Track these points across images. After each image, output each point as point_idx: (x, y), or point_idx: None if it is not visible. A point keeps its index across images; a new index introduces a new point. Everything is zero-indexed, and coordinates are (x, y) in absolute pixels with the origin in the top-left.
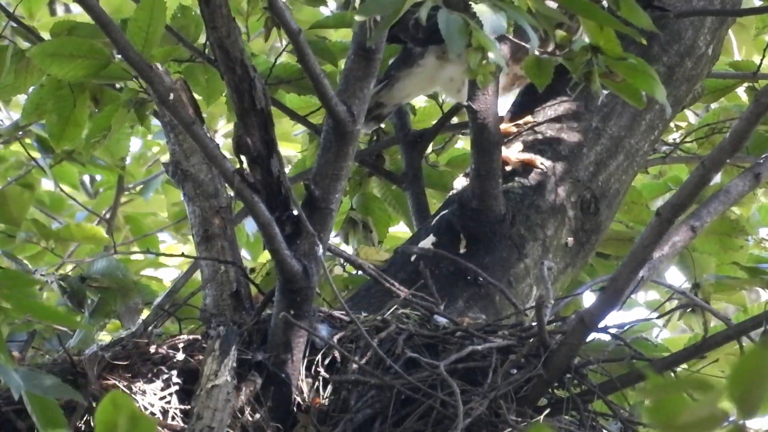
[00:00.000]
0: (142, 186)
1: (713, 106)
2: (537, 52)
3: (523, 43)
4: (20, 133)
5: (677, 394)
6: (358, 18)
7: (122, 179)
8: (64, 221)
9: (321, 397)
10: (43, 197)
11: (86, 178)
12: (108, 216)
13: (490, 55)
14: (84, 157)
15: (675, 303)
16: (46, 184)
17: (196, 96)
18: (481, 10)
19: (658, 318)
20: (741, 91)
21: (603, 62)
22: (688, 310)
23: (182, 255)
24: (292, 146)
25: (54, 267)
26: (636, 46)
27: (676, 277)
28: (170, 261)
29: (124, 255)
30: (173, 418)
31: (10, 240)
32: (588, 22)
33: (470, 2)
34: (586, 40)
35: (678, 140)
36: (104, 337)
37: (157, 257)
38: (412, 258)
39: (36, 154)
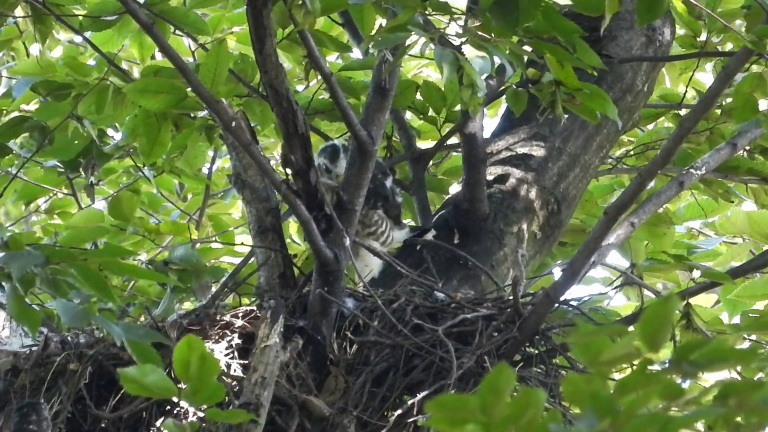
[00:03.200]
0: (222, 193)
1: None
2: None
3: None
4: (130, 150)
5: (600, 337)
6: (373, 49)
7: (208, 188)
8: (161, 218)
9: (348, 354)
10: (144, 198)
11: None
12: (197, 216)
13: (478, 90)
14: (166, 168)
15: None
16: (147, 188)
17: (252, 123)
18: (469, 53)
19: (605, 293)
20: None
21: (564, 91)
22: (628, 285)
23: (242, 244)
24: None
25: (154, 254)
26: (590, 78)
27: (617, 258)
28: (240, 249)
29: (204, 245)
30: (235, 371)
31: (121, 232)
32: (552, 60)
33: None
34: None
35: (621, 156)
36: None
37: (232, 247)
38: (418, 247)
39: (143, 167)
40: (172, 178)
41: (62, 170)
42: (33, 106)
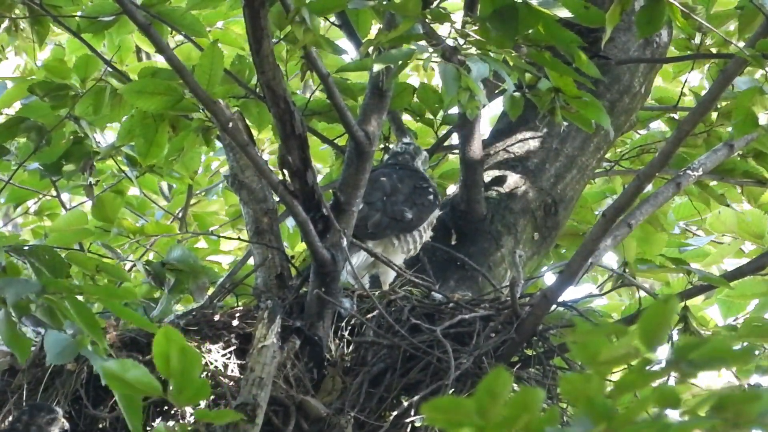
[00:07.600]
0: (205, 192)
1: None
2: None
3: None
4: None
5: (599, 337)
6: (376, 67)
7: (191, 187)
8: (148, 219)
9: (345, 354)
10: (131, 200)
11: (164, 186)
12: (180, 215)
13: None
14: (164, 171)
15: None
16: (133, 191)
17: (249, 124)
18: (470, 60)
19: (602, 294)
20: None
21: (562, 99)
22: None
23: (239, 239)
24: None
25: (139, 255)
26: (587, 87)
27: (608, 256)
28: (227, 249)
29: (193, 236)
30: (232, 371)
31: (105, 234)
32: (551, 72)
33: (462, 55)
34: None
35: (617, 158)
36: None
37: (217, 247)
38: None
39: (125, 168)
40: (156, 179)
41: (45, 173)
42: (13, 111)
